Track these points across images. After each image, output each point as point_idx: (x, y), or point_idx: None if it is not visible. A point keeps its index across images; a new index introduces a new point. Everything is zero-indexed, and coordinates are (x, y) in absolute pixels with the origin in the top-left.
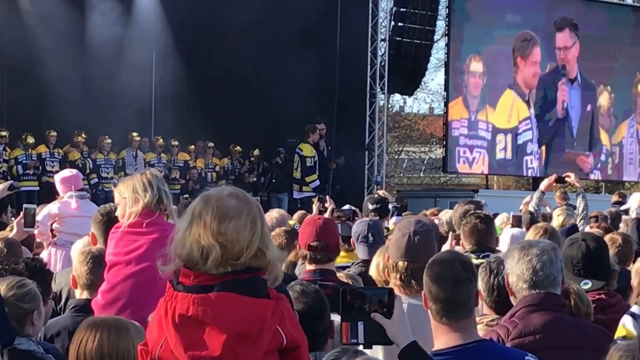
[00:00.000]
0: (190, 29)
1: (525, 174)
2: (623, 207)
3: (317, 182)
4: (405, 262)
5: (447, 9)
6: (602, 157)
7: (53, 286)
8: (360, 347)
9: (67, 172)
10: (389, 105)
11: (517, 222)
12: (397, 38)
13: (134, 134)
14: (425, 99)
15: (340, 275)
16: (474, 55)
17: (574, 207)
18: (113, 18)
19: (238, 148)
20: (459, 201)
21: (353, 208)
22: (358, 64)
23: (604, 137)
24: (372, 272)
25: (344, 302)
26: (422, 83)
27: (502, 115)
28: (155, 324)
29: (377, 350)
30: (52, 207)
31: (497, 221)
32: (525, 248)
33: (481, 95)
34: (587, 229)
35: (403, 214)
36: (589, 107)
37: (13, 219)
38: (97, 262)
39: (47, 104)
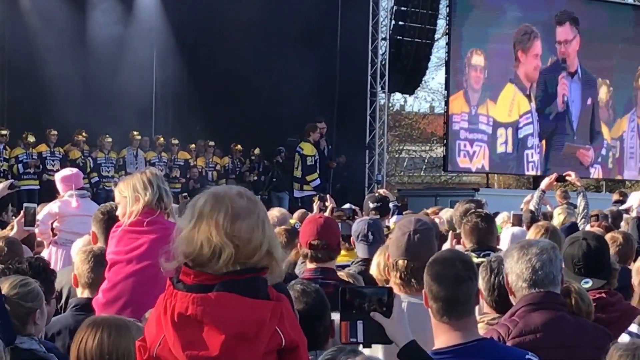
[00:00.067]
0: (191, 28)
1: (525, 168)
2: (624, 206)
3: (318, 181)
4: (405, 261)
5: (447, 8)
6: (603, 152)
7: None
8: (360, 347)
9: (68, 171)
10: (390, 104)
11: (517, 221)
12: (398, 37)
13: (135, 132)
14: (426, 97)
15: (341, 273)
16: (475, 49)
17: (575, 206)
18: (114, 17)
19: (239, 147)
20: (459, 200)
21: (353, 207)
22: (359, 63)
23: (604, 130)
24: (373, 271)
25: (343, 301)
26: (423, 82)
27: (503, 109)
28: (154, 321)
29: (377, 350)
30: (53, 206)
31: (498, 220)
32: (524, 247)
33: (482, 89)
34: (588, 227)
35: (404, 212)
36: (589, 101)
37: (13, 217)
38: (98, 261)
39: (47, 103)
